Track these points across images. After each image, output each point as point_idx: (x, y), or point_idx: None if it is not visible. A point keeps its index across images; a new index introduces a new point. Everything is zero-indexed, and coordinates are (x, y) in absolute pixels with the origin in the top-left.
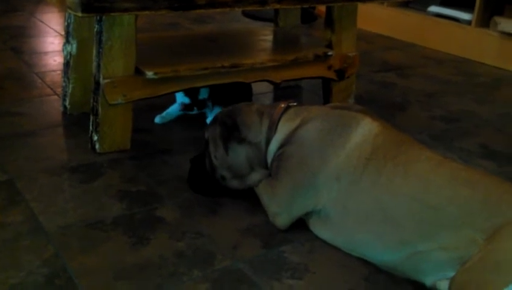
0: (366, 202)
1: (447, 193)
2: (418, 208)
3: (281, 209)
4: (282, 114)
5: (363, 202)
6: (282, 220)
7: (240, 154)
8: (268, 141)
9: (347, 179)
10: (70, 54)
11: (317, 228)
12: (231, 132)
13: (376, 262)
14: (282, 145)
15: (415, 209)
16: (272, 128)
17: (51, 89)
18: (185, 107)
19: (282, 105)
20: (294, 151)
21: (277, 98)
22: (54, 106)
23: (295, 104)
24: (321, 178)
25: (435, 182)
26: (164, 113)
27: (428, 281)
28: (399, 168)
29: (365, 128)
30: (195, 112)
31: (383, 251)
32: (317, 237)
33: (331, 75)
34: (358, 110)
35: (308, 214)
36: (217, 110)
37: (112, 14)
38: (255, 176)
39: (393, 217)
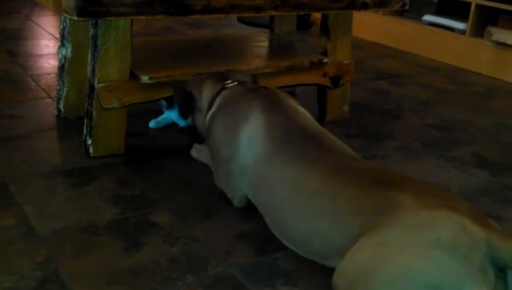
0: (263, 207)
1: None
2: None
3: (229, 193)
4: (215, 97)
5: (261, 206)
6: (236, 201)
7: (198, 119)
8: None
9: (248, 179)
10: (65, 58)
11: None
12: (188, 101)
13: None
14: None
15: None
16: (206, 112)
17: (45, 92)
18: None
19: (218, 87)
20: (209, 142)
21: None
22: (48, 109)
23: (234, 83)
24: (234, 167)
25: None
26: (160, 118)
27: None
28: (267, 186)
29: (252, 130)
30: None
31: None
32: None
33: (326, 82)
34: (263, 94)
35: None
36: None
37: (108, 18)
38: None
39: (285, 232)
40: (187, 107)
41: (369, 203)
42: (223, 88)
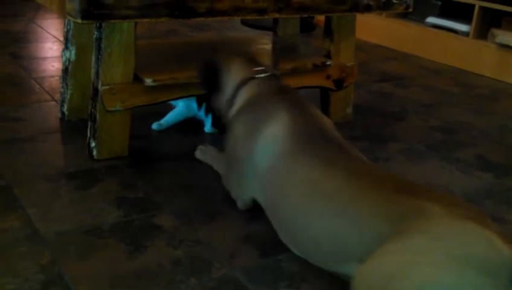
0: (274, 210)
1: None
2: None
3: (235, 193)
4: (241, 86)
5: (272, 209)
6: (240, 202)
7: (220, 97)
8: (229, 106)
9: (262, 181)
10: (69, 60)
11: None
12: (214, 75)
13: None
14: (227, 123)
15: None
16: (231, 99)
17: (49, 94)
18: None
19: (245, 76)
20: (228, 140)
21: None
22: (52, 112)
23: (261, 74)
24: (249, 168)
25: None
26: (162, 121)
27: None
28: (284, 186)
29: (274, 130)
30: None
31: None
32: None
33: (329, 84)
34: (288, 98)
35: None
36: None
37: (112, 21)
38: None
39: (295, 236)
40: (212, 81)
41: (394, 208)
42: (250, 78)
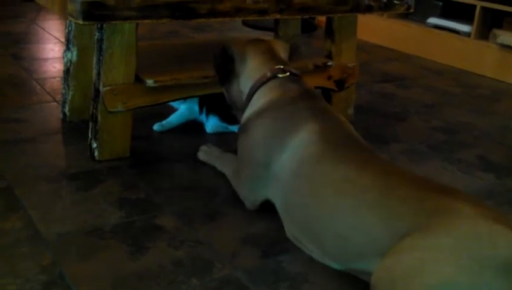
0: (296, 211)
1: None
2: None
3: (245, 194)
4: (261, 85)
5: (294, 209)
6: (248, 203)
7: (233, 87)
8: (246, 104)
9: (283, 184)
10: (71, 61)
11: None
12: (226, 63)
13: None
14: (244, 122)
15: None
16: (249, 97)
17: (51, 95)
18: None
19: (268, 74)
20: (246, 141)
21: None
22: (54, 113)
23: (286, 73)
24: (267, 172)
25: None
26: (164, 122)
27: None
28: (312, 186)
29: (302, 137)
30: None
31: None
32: None
33: (330, 85)
34: (314, 105)
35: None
36: (212, 119)
37: (113, 22)
38: None
39: (318, 234)
40: (226, 70)
41: (424, 205)
42: (271, 78)
